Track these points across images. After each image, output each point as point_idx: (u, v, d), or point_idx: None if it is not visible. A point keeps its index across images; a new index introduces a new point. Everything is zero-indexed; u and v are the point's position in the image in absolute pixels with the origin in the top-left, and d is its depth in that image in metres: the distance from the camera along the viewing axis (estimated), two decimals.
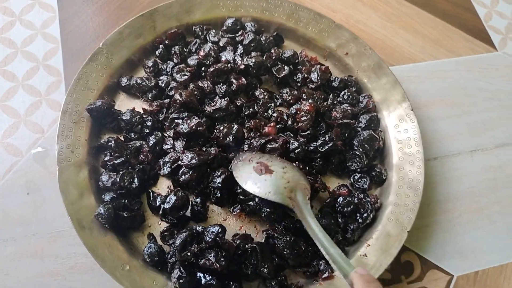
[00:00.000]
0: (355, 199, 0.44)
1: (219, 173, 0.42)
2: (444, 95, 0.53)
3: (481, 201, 0.48)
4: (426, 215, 0.46)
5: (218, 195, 0.42)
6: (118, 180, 0.41)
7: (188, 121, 0.43)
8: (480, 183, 0.49)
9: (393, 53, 0.55)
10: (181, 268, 0.38)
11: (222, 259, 0.37)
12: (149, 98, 0.46)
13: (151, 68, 0.48)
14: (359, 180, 0.45)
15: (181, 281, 0.38)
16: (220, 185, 0.41)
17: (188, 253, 0.38)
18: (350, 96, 0.48)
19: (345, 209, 0.43)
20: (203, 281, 0.38)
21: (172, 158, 0.43)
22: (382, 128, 0.48)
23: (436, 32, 0.57)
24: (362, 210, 0.43)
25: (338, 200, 0.43)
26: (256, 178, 0.40)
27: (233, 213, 0.42)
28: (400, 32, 0.56)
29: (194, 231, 0.39)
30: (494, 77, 0.55)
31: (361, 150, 0.45)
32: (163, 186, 0.44)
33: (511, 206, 0.48)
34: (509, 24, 0.60)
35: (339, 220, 0.43)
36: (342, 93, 0.49)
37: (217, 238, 0.38)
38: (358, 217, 0.43)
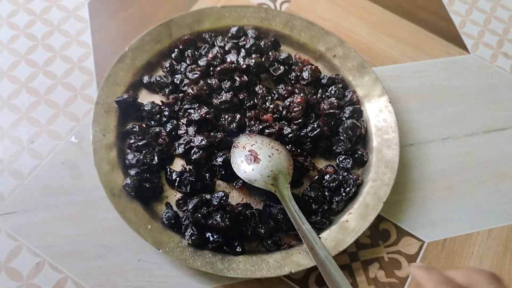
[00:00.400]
0: (340, 176, 0.51)
1: (221, 154, 0.50)
2: (421, 91, 0.61)
3: (451, 180, 0.55)
4: (402, 191, 0.54)
5: (223, 172, 0.51)
6: (141, 157, 0.50)
7: (199, 110, 0.52)
8: (450, 166, 0.56)
9: (377, 55, 0.63)
10: (193, 227, 0.46)
11: (226, 219, 0.46)
12: (166, 92, 0.55)
13: (168, 68, 0.57)
14: (343, 161, 0.53)
15: (193, 237, 0.46)
16: (220, 163, 0.50)
17: (199, 215, 0.46)
18: (337, 91, 0.57)
19: (331, 184, 0.51)
20: (211, 239, 0.46)
21: (185, 141, 0.51)
22: (364, 118, 0.56)
23: (415, 37, 0.65)
24: (345, 185, 0.51)
25: (325, 177, 0.51)
26: (246, 166, 0.48)
27: (236, 187, 0.51)
28: (383, 38, 0.65)
29: (203, 198, 0.47)
30: (466, 76, 0.63)
31: (345, 136, 0.53)
32: (178, 164, 0.52)
33: (477, 185, 0.55)
34: (481, 31, 0.68)
35: (326, 193, 0.51)
36: (330, 88, 0.57)
37: (222, 201, 0.46)
38: (342, 191, 0.51)
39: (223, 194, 0.47)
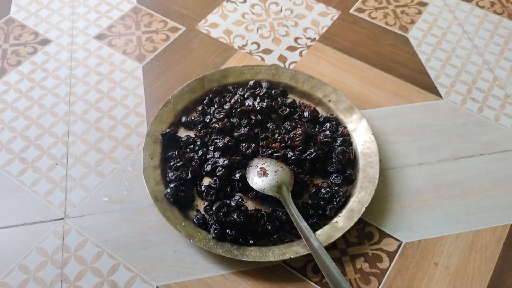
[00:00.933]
0: (333, 189, 0.65)
1: (239, 171, 0.66)
2: (401, 128, 0.76)
3: (425, 195, 0.68)
4: (384, 203, 0.67)
5: (240, 185, 0.66)
6: (179, 174, 0.66)
7: (223, 140, 0.68)
8: (425, 184, 0.69)
9: (365, 101, 0.79)
10: (216, 224, 0.60)
11: (241, 216, 0.60)
12: (199, 128, 0.72)
13: (200, 111, 0.74)
14: (335, 178, 0.67)
15: (216, 231, 0.60)
16: (238, 178, 0.65)
17: (221, 214, 0.60)
18: (331, 127, 0.72)
19: (325, 196, 0.65)
20: (230, 233, 0.60)
21: (212, 162, 0.67)
22: (353, 146, 0.71)
23: (397, 87, 0.81)
24: (336, 196, 0.65)
25: (321, 191, 0.65)
26: (257, 179, 0.63)
27: (250, 197, 0.65)
28: (370, 88, 0.81)
29: (224, 201, 0.62)
30: (440, 117, 0.78)
31: (336, 159, 0.68)
32: (206, 181, 0.67)
33: (447, 200, 0.67)
34: (453, 81, 0.83)
35: (321, 203, 0.65)
36: (325, 125, 0.72)
37: (238, 203, 0.61)
38: (334, 201, 0.64)
39: (239, 197, 0.61)
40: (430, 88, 0.82)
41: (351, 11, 0.95)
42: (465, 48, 0.89)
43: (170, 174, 0.66)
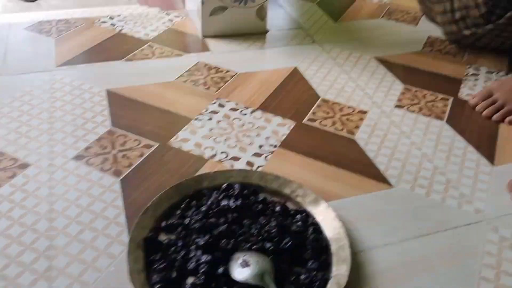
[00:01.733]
0: (311, 274, 0.70)
1: (221, 266, 0.69)
2: (363, 214, 0.83)
3: (395, 273, 0.73)
4: (360, 283, 0.71)
5: (224, 280, 0.68)
6: (163, 275, 0.68)
7: (204, 237, 0.73)
8: (393, 263, 0.75)
9: (328, 194, 0.87)
10: None
11: None
12: (179, 230, 0.76)
13: (179, 215, 0.79)
14: (312, 264, 0.72)
15: None
16: (222, 272, 0.68)
17: None
18: (302, 218, 0.79)
19: (305, 281, 0.68)
20: None
21: (195, 259, 0.70)
22: (324, 233, 0.77)
23: (353, 181, 0.91)
24: (315, 280, 0.69)
25: (300, 277, 0.69)
26: (240, 270, 0.68)
27: None
28: (331, 183, 0.90)
29: None
30: (394, 202, 0.86)
31: (310, 246, 0.73)
32: (190, 280, 0.70)
33: (415, 274, 0.73)
34: (400, 172, 0.94)
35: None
36: (296, 216, 0.79)
37: None
38: (313, 285, 0.68)
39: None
40: (382, 179, 0.93)
41: (303, 121, 1.09)
42: (405, 144, 1.03)
43: (155, 276, 0.69)
